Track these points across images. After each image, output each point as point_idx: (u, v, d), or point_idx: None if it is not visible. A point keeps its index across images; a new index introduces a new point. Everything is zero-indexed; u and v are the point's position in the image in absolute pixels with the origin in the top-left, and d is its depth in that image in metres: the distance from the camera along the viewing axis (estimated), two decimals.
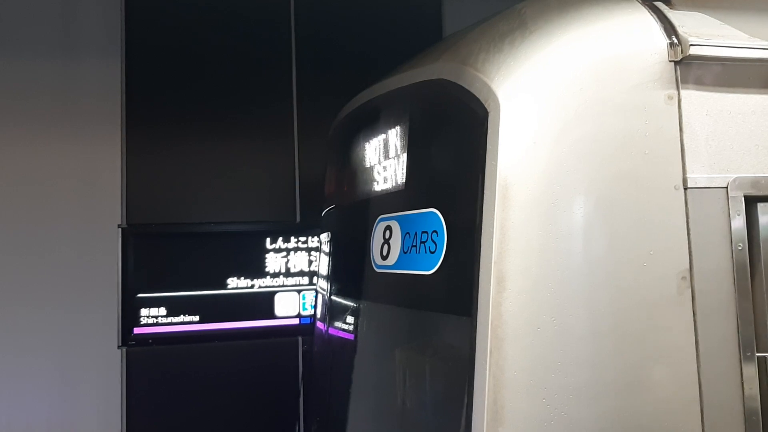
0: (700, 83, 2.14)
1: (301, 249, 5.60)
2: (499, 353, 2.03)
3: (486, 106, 2.17)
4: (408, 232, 2.58)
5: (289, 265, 5.57)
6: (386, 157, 2.86)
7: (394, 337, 2.72)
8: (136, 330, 5.20)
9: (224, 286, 5.38)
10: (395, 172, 2.77)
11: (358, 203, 3.17)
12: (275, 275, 5.52)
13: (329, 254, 3.60)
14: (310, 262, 5.61)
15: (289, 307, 5.55)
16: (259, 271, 5.48)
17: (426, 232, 2.44)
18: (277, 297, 5.52)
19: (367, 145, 3.08)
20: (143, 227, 5.28)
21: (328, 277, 3.57)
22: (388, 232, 2.75)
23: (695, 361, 2.05)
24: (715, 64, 2.15)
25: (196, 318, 5.31)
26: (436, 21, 6.16)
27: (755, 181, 2.15)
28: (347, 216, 3.40)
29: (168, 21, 5.52)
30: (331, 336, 3.45)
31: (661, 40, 2.15)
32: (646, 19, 2.20)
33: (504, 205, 2.08)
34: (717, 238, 2.09)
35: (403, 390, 2.60)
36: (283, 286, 5.53)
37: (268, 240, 5.54)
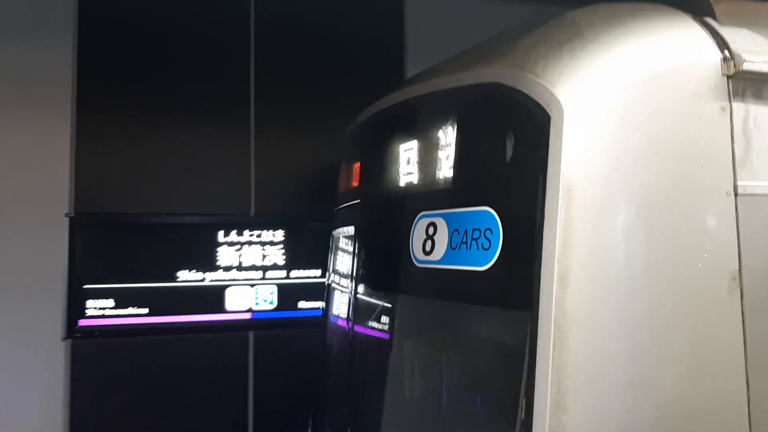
0: (750, 96, 2.30)
1: (255, 243, 5.54)
2: (563, 346, 2.14)
3: (548, 110, 2.28)
4: (456, 229, 2.67)
5: (241, 259, 5.50)
6: (428, 155, 2.94)
7: (443, 330, 2.81)
8: (82, 322, 5.08)
9: (174, 278, 5.30)
10: (439, 170, 2.85)
11: (392, 200, 3.25)
12: (227, 269, 5.46)
13: (354, 251, 3.66)
14: (264, 257, 5.56)
15: (240, 301, 5.48)
16: (210, 265, 5.40)
17: (478, 230, 2.54)
18: (228, 291, 5.46)
19: (404, 143, 3.16)
20: (92, 216, 5.15)
21: (352, 274, 3.63)
22: (432, 229, 2.83)
23: (743, 355, 2.20)
24: (764, 79, 2.30)
25: (145, 311, 5.21)
26: (398, 19, 6.08)
27: None
28: (377, 212, 3.47)
29: (123, 6, 5.39)
30: (358, 332, 3.52)
31: (715, 54, 2.30)
32: (699, 33, 2.34)
33: (567, 205, 2.19)
34: (765, 242, 2.24)
35: (454, 381, 2.69)
36: (234, 280, 5.46)
37: (221, 233, 5.46)
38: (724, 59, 2.28)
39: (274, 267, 5.57)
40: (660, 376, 2.15)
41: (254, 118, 5.65)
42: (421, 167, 3.03)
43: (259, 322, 5.47)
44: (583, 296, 2.16)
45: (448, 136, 2.82)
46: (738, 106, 2.27)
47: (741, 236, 2.22)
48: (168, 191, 5.39)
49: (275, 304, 5.53)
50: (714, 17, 2.45)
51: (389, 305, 3.20)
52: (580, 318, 2.15)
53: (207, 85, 5.54)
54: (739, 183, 2.24)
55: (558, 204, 2.20)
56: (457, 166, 2.73)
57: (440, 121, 2.87)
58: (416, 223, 2.95)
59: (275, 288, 5.55)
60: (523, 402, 2.22)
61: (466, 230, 2.61)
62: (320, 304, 5.10)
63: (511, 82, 2.46)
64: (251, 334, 5.52)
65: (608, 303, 2.16)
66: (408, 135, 3.14)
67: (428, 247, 2.85)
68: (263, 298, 5.52)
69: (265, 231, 5.55)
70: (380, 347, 3.25)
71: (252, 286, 5.50)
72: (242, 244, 5.50)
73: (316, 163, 5.62)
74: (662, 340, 2.17)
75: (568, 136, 2.23)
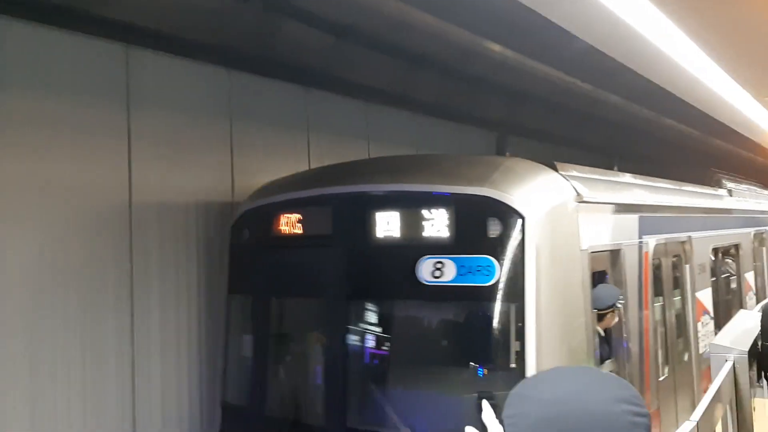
0: (583, 211, 5.64)
1: None
2: (540, 317, 5.11)
3: (523, 214, 5.22)
4: (463, 265, 5.36)
5: None
6: (421, 222, 5.51)
7: (452, 321, 5.49)
8: None
9: None
10: (437, 231, 5.47)
11: (384, 248, 5.69)
12: None
13: (340, 278, 5.89)
14: None
15: None
16: None
17: (480, 266, 5.30)
18: None
19: (393, 214, 5.62)
20: None
21: (342, 290, 5.87)
22: (439, 264, 5.45)
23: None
24: (590, 205, 5.68)
25: None
26: None
27: (594, 246, 5.75)
28: (365, 253, 5.82)
29: None
30: (350, 338, 5.82)
31: (572, 192, 5.58)
32: (565, 183, 5.61)
33: (537, 257, 5.18)
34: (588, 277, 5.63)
35: (467, 346, 5.42)
36: None
37: None
38: (576, 195, 5.58)
39: None
40: (571, 329, 5.34)
41: None
42: (415, 228, 5.57)
43: None
44: (546, 296, 5.18)
45: (444, 218, 5.46)
46: (581, 215, 5.60)
47: (583, 276, 5.56)
48: None
49: None
50: (558, 171, 5.73)
51: (398, 313, 5.70)
52: (545, 306, 5.16)
53: None
54: (581, 244, 5.57)
55: (534, 257, 5.17)
56: (457, 231, 5.41)
57: (436, 209, 5.48)
58: (422, 261, 5.51)
59: None
60: (517, 344, 5.13)
61: (471, 266, 5.34)
62: None
63: (499, 197, 5.30)
64: None
65: (554, 298, 5.23)
66: (401, 209, 5.62)
67: (437, 274, 5.46)
68: None
69: None
70: (397, 337, 5.71)
71: None
72: None
73: None
74: (567, 316, 5.35)
75: (534, 226, 5.21)
